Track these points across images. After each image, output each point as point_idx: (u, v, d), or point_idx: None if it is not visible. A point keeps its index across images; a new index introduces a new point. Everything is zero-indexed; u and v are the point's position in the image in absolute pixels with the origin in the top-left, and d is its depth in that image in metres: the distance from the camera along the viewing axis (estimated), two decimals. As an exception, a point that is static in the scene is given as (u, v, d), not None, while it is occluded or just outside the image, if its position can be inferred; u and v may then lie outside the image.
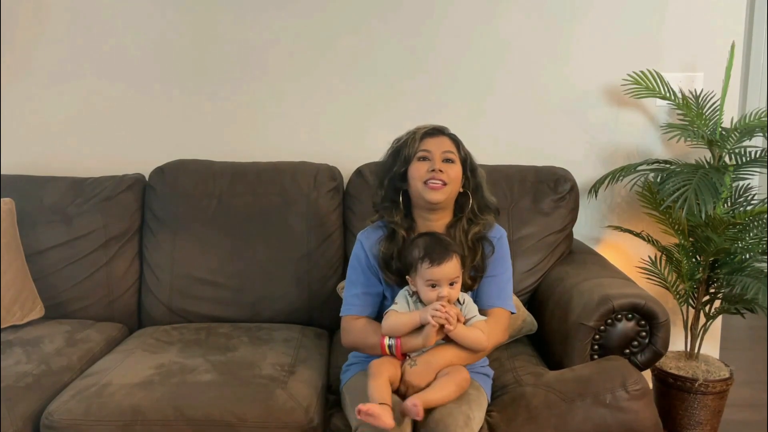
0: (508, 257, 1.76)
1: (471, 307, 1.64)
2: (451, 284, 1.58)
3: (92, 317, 2.21)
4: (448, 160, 1.67)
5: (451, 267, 1.58)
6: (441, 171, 1.64)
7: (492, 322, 1.66)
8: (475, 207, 1.72)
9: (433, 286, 1.58)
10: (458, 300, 1.63)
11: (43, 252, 2.22)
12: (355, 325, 1.70)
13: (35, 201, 2.26)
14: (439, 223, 1.72)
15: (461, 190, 1.72)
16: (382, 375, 1.54)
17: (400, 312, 1.61)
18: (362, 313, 1.72)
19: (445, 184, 1.65)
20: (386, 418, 1.41)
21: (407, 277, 1.64)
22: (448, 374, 1.56)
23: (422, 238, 1.63)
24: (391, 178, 1.71)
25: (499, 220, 2.16)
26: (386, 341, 1.60)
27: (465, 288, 1.67)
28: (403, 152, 1.69)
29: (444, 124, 1.82)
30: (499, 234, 1.75)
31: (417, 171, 1.67)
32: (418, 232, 1.72)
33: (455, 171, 1.67)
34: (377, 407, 1.42)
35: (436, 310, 1.53)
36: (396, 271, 1.68)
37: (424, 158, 1.67)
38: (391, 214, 1.72)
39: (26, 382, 1.73)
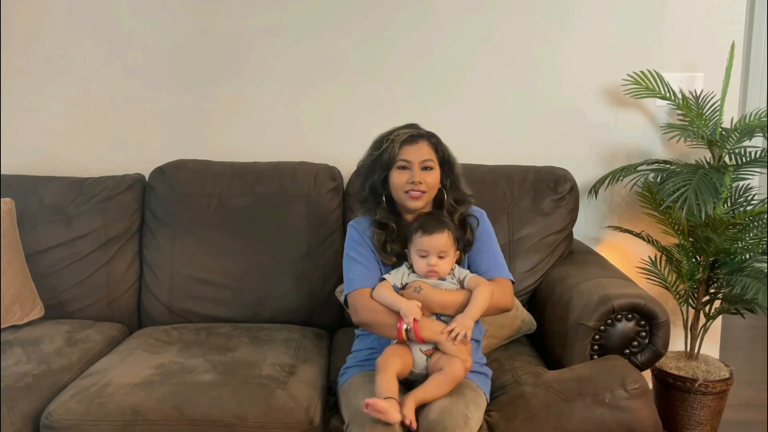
0: (492, 232, 1.80)
1: (461, 270, 1.70)
2: (441, 257, 1.65)
3: (92, 317, 2.22)
4: (426, 168, 1.70)
5: (442, 239, 1.64)
6: (420, 183, 1.68)
7: (497, 289, 1.68)
8: (452, 201, 1.77)
9: (424, 256, 1.64)
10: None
11: (43, 252, 2.22)
12: (368, 303, 1.65)
13: (35, 201, 2.26)
14: None
15: (439, 186, 1.75)
16: (389, 369, 1.55)
17: (389, 288, 1.65)
18: (370, 286, 1.69)
19: (424, 192, 1.69)
20: (393, 413, 1.44)
21: (406, 250, 1.69)
22: (442, 371, 1.55)
23: (424, 215, 1.71)
24: (371, 184, 1.75)
25: (496, 218, 2.18)
26: (404, 326, 1.59)
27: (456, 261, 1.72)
28: (382, 159, 1.71)
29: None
30: (478, 214, 1.79)
31: (397, 180, 1.70)
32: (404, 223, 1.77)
33: (434, 177, 1.71)
34: (384, 402, 1.45)
35: (409, 318, 1.56)
36: (392, 251, 1.71)
37: (403, 167, 1.69)
38: (374, 213, 1.76)
39: (26, 382, 1.73)
